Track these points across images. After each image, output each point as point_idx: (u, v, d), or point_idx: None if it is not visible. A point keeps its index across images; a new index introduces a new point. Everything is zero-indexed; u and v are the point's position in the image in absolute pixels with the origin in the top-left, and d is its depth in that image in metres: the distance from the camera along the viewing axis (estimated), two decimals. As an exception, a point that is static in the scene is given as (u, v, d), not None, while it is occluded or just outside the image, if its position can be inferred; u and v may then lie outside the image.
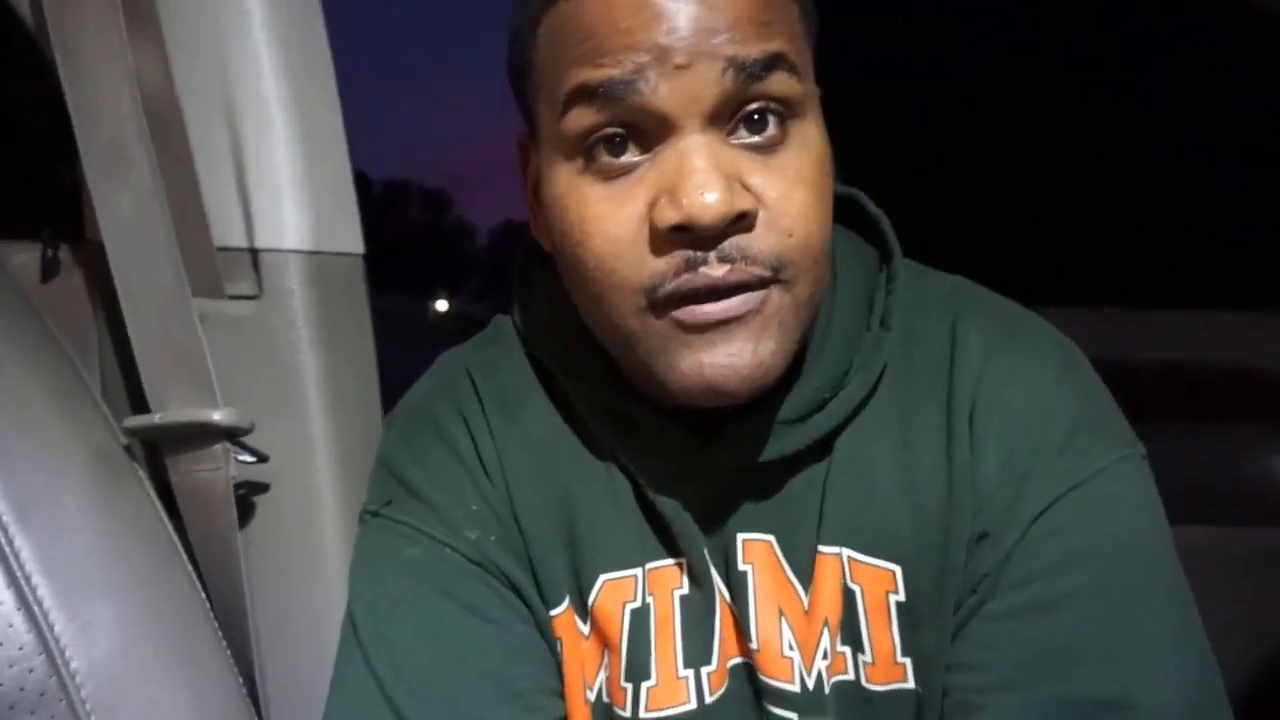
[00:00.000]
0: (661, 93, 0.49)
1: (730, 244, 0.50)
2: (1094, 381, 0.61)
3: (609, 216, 0.52)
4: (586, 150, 0.52)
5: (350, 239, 0.74)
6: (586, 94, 0.50)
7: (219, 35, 0.66)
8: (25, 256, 0.76)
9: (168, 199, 0.62)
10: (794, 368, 0.61)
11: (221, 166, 0.68)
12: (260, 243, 0.68)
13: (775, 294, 0.52)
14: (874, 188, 0.67)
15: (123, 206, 0.60)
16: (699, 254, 0.50)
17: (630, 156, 0.51)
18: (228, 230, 0.69)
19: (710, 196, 0.48)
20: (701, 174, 0.48)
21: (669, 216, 0.49)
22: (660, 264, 0.51)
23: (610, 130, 0.51)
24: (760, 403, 0.60)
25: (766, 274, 0.51)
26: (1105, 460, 0.56)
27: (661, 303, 0.52)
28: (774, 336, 0.53)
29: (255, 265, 0.69)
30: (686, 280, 0.50)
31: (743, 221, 0.50)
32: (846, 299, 0.63)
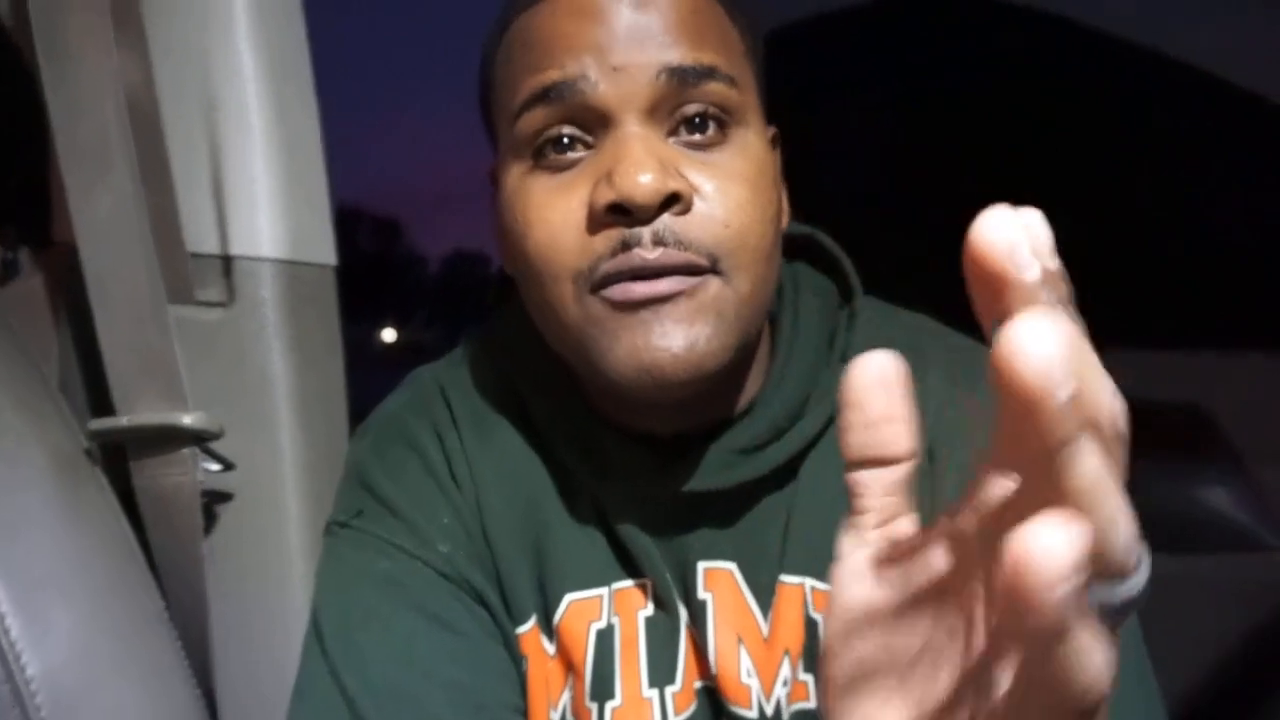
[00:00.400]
0: (601, 89, 0.52)
1: (664, 226, 0.52)
2: None
3: (551, 205, 0.54)
4: (537, 150, 0.55)
5: (323, 250, 0.74)
6: (535, 97, 0.53)
7: (203, 42, 0.66)
8: (-15, 258, 0.74)
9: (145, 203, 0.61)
10: (754, 399, 0.63)
11: (198, 172, 0.68)
12: (234, 249, 0.68)
13: (714, 284, 0.53)
14: (851, 228, 0.69)
15: (100, 208, 0.59)
16: (633, 233, 0.52)
17: (575, 154, 0.55)
18: (201, 236, 0.69)
19: (644, 177, 0.50)
20: (636, 157, 0.51)
21: (605, 196, 0.51)
22: (596, 244, 0.53)
23: (557, 130, 0.54)
24: (719, 430, 0.61)
25: (702, 261, 0.53)
26: None
27: (598, 284, 0.53)
28: (710, 323, 0.53)
29: (227, 272, 0.69)
30: (621, 260, 0.52)
31: (677, 204, 0.52)
32: (807, 333, 0.65)
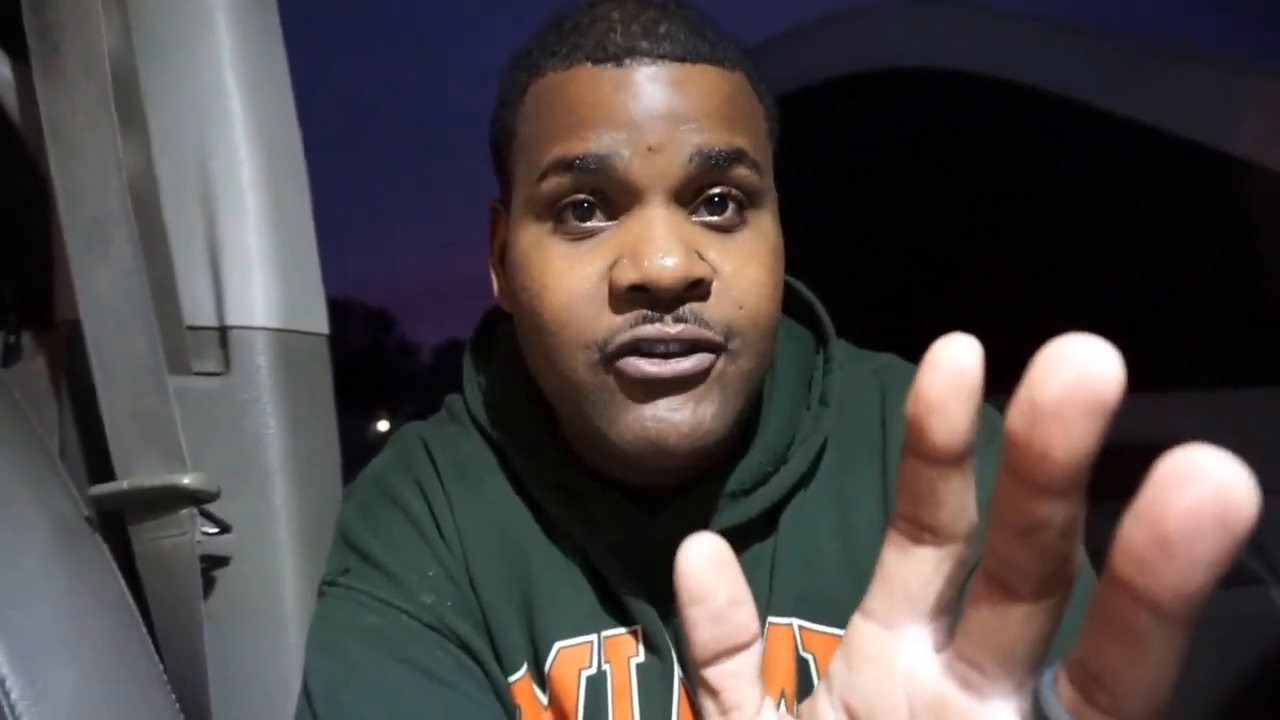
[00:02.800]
0: (634, 168, 0.53)
1: (686, 310, 0.54)
2: None
3: (570, 272, 0.55)
4: (557, 213, 0.56)
5: (316, 319, 0.77)
6: (565, 165, 0.54)
7: (200, 127, 0.70)
8: (-10, 341, 0.77)
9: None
10: (737, 445, 0.64)
11: (195, 248, 0.71)
12: (230, 320, 0.71)
13: (721, 362, 0.55)
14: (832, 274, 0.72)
15: (103, 281, 0.62)
16: (654, 315, 0.53)
17: (596, 222, 0.56)
18: (197, 309, 0.71)
19: (670, 260, 0.51)
20: (663, 240, 0.52)
21: (629, 276, 0.53)
22: (616, 320, 0.54)
23: (581, 196, 0.55)
24: (706, 477, 0.62)
25: (718, 339, 0.54)
26: None
27: (613, 355, 0.54)
28: (715, 400, 0.55)
29: (223, 343, 0.71)
30: (640, 330, 0.53)
31: (698, 289, 0.54)
32: (787, 379, 0.67)
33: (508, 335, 0.70)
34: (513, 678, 0.62)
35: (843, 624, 0.60)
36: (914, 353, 0.70)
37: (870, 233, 1.89)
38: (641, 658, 0.62)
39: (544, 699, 0.62)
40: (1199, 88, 1.47)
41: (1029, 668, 0.26)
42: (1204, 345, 1.46)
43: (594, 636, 0.62)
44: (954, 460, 0.26)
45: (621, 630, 0.63)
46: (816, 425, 0.65)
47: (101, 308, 0.63)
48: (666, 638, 0.62)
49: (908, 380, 0.67)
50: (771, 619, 0.62)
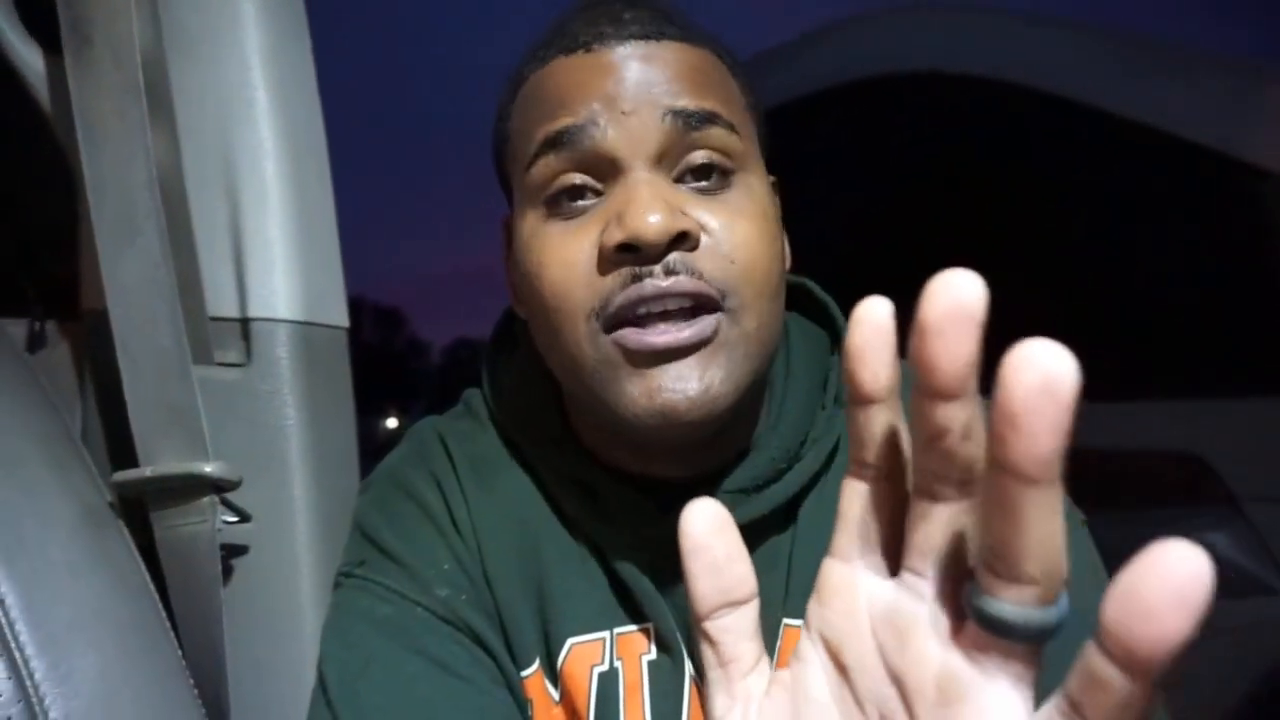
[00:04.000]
0: (611, 136, 0.55)
1: (674, 259, 0.54)
2: None
3: (564, 247, 0.57)
4: (551, 198, 0.58)
5: (336, 312, 0.77)
6: (549, 143, 0.57)
7: (226, 121, 0.71)
8: (17, 330, 0.78)
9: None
10: (747, 442, 0.64)
11: (219, 239, 0.72)
12: (252, 312, 0.72)
13: (723, 324, 0.55)
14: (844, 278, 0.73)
15: (130, 272, 0.63)
16: (644, 269, 0.54)
17: (586, 202, 0.57)
18: (220, 301, 0.72)
19: (653, 217, 0.53)
20: (645, 199, 0.54)
21: (615, 236, 0.54)
22: (608, 283, 0.55)
23: (569, 178, 0.57)
24: (718, 473, 0.63)
25: (712, 293, 0.55)
26: None
27: (611, 322, 0.55)
28: (722, 365, 0.55)
29: (245, 334, 0.72)
30: (634, 290, 0.54)
31: (685, 241, 0.55)
32: (800, 378, 0.67)
33: (526, 332, 0.70)
34: (525, 672, 0.63)
35: None
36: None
37: (881, 237, 1.89)
38: (653, 655, 0.62)
39: (556, 694, 0.63)
40: (1212, 92, 1.46)
41: (961, 566, 0.30)
42: (1215, 352, 1.45)
43: (606, 633, 0.63)
44: (875, 400, 0.30)
45: (634, 627, 0.63)
46: (831, 425, 0.65)
47: (128, 298, 0.64)
48: (678, 636, 0.62)
49: None
50: (787, 620, 0.61)
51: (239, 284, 0.72)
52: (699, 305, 0.55)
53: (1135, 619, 0.24)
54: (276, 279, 0.72)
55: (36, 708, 0.52)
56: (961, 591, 0.29)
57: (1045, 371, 0.24)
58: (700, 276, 0.55)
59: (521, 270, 0.60)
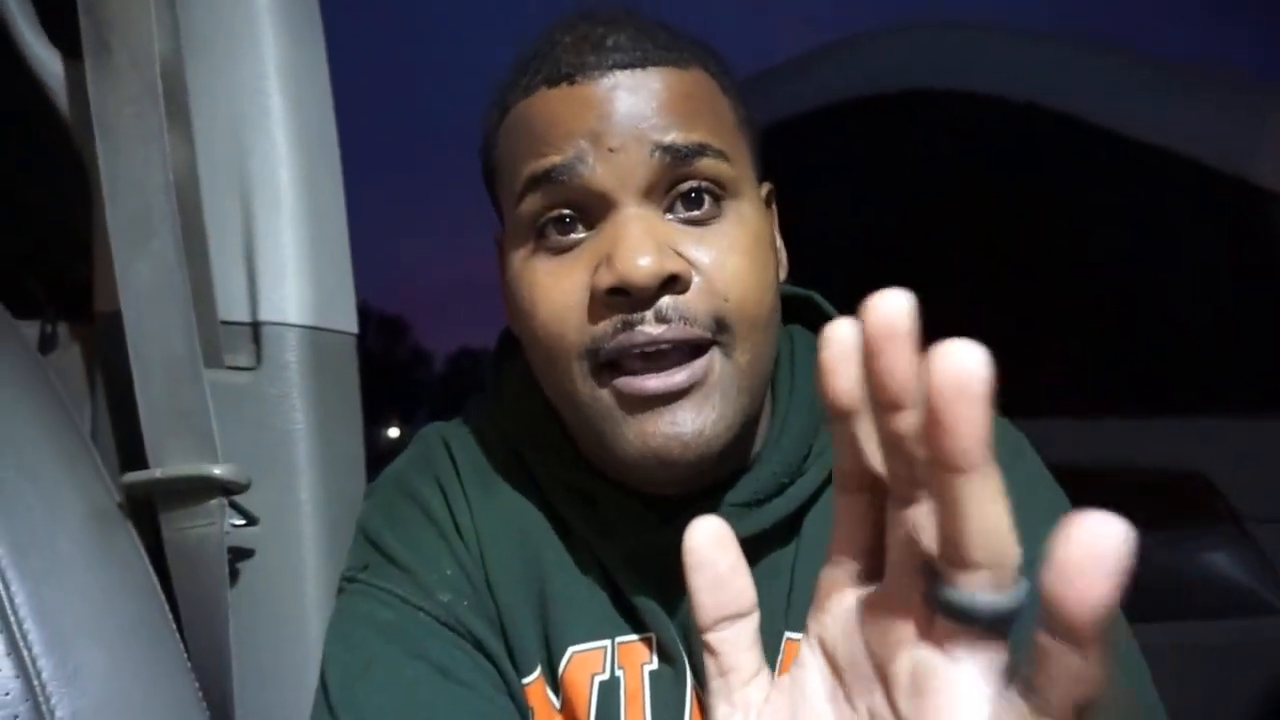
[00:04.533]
0: (599, 173, 0.55)
1: (666, 304, 0.54)
2: (1039, 468, 0.66)
3: (554, 286, 0.56)
4: (539, 230, 0.58)
5: (346, 318, 0.78)
6: (535, 181, 0.56)
7: (241, 127, 0.72)
8: (30, 331, 0.79)
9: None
10: (750, 455, 0.64)
11: (231, 244, 0.72)
12: (263, 316, 0.72)
13: (717, 361, 0.56)
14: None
15: (143, 275, 0.64)
16: (635, 315, 0.54)
17: (576, 234, 0.57)
18: (231, 305, 0.73)
19: (643, 260, 0.52)
20: (634, 240, 0.53)
21: (605, 280, 0.54)
22: (600, 327, 0.55)
23: (558, 211, 0.57)
24: (720, 486, 0.63)
25: (705, 335, 0.55)
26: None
27: (604, 366, 0.55)
28: (716, 406, 0.56)
29: (255, 338, 0.73)
30: (625, 338, 0.54)
31: (676, 284, 0.55)
32: (803, 392, 0.67)
33: None
34: (526, 679, 0.63)
35: None
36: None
37: (889, 251, 1.89)
38: (655, 665, 0.62)
39: (557, 702, 0.63)
40: (1223, 113, 1.47)
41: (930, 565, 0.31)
42: (1221, 371, 1.46)
43: (608, 642, 0.63)
44: (846, 412, 0.32)
45: (635, 637, 0.63)
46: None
47: (141, 301, 0.64)
48: (680, 646, 0.62)
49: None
50: (789, 634, 0.61)
51: (250, 288, 0.72)
52: (692, 348, 0.55)
53: (1061, 585, 0.25)
54: (288, 284, 0.73)
55: (44, 706, 0.53)
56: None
57: (959, 370, 0.26)
58: (693, 322, 0.55)
59: (514, 303, 0.60)
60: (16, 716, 0.52)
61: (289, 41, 0.73)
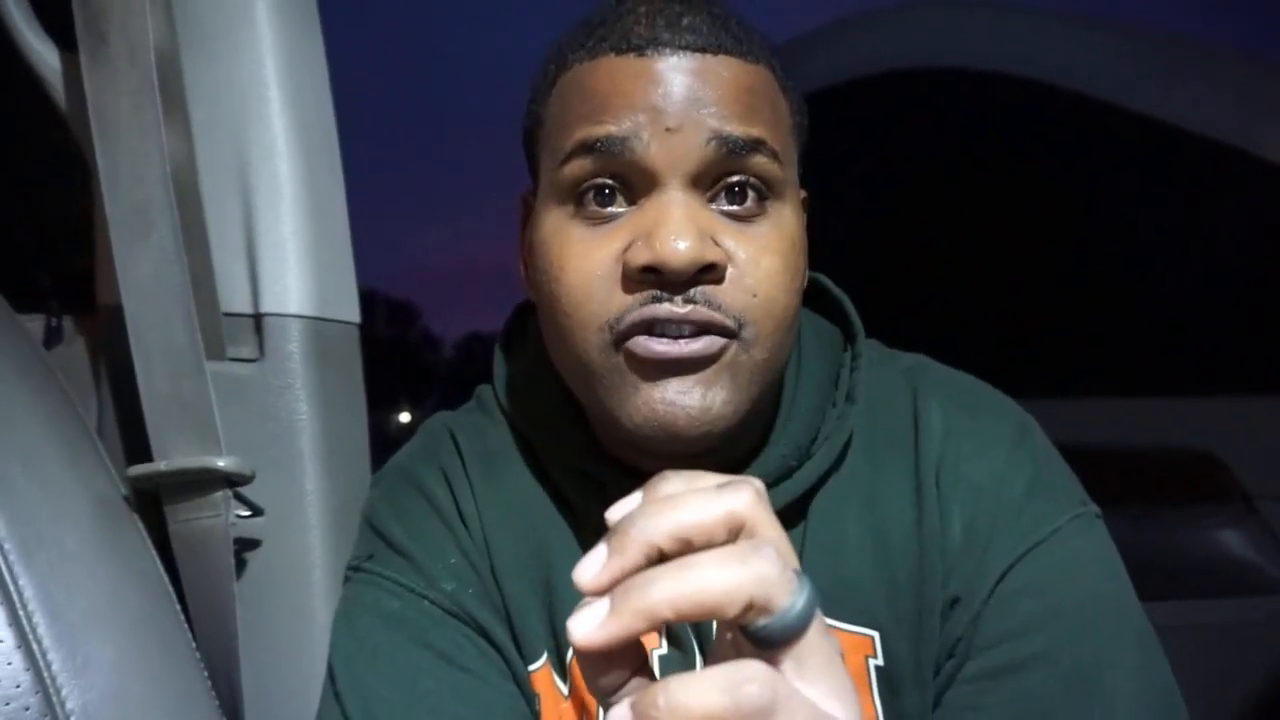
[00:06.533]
0: (652, 151, 0.54)
1: (697, 291, 0.54)
2: (1047, 449, 0.65)
3: (586, 254, 0.56)
4: (578, 197, 0.57)
5: (348, 308, 0.78)
6: (586, 147, 0.55)
7: (240, 119, 0.72)
8: (34, 325, 0.79)
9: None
10: (760, 439, 0.64)
11: (231, 236, 0.72)
12: (265, 307, 0.72)
13: (733, 349, 0.55)
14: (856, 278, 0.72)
15: (144, 267, 0.64)
16: (664, 294, 0.54)
17: (616, 207, 0.56)
18: (233, 296, 0.73)
19: (682, 244, 0.52)
20: (677, 223, 0.53)
21: (641, 257, 0.53)
22: (627, 299, 0.54)
23: (601, 180, 0.56)
24: (727, 470, 0.63)
25: (730, 324, 0.54)
26: (1060, 520, 0.60)
27: (623, 334, 0.55)
28: (725, 386, 0.55)
29: (258, 329, 0.73)
30: (649, 310, 0.54)
31: (711, 273, 0.54)
32: (812, 375, 0.67)
33: (537, 328, 0.71)
34: (533, 666, 0.63)
35: (870, 623, 0.60)
36: (938, 352, 0.70)
37: (897, 231, 1.88)
38: (664, 650, 0.63)
39: (565, 689, 0.63)
40: (1234, 90, 1.45)
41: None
42: (1230, 350, 1.45)
43: None
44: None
45: None
46: (842, 422, 0.65)
47: (142, 293, 0.64)
48: (688, 630, 0.62)
49: (938, 380, 0.67)
50: None
51: (252, 279, 0.72)
52: (712, 329, 0.55)
53: None
54: (289, 274, 0.73)
55: (54, 698, 0.53)
56: None
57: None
58: (719, 309, 0.54)
59: (539, 264, 0.60)
60: (28, 709, 0.52)
61: (286, 31, 0.73)
